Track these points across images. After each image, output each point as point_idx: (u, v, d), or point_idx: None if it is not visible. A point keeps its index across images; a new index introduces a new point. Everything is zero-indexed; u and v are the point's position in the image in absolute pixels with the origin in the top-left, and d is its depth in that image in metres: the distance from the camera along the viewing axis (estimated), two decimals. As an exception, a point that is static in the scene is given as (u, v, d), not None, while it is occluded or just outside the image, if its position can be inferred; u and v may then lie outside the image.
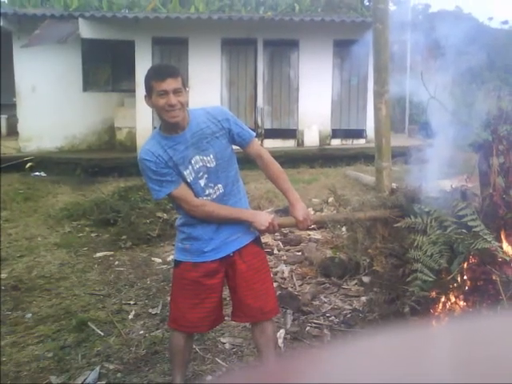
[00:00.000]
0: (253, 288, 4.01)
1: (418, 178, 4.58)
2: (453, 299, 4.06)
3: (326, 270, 6.81)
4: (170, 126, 3.70)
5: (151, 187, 3.79)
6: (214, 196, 3.85)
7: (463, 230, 3.88)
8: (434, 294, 4.03)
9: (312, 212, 9.52)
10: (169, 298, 4.82)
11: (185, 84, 3.70)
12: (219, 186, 3.87)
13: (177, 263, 4.05)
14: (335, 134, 18.20)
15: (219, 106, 4.49)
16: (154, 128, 4.15)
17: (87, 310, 6.13)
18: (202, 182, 3.81)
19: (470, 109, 4.59)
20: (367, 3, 35.42)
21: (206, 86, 16.71)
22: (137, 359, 5.04)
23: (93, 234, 9.37)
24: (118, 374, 4.77)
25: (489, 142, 4.08)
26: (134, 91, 16.24)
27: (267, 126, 17.91)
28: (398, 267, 4.23)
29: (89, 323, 5.74)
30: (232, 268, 3.99)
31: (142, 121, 16.27)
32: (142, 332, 5.58)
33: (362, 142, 18.07)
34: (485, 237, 3.75)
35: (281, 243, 8.38)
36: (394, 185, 5.35)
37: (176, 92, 3.55)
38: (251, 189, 11.52)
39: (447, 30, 5.11)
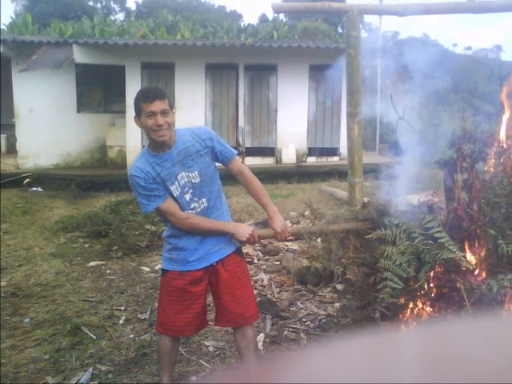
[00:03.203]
0: (235, 295, 4.01)
1: (387, 192, 4.58)
2: (420, 305, 4.06)
3: (303, 278, 6.81)
4: (157, 145, 3.69)
5: (140, 201, 3.79)
6: (199, 209, 3.85)
7: (430, 241, 3.89)
8: (402, 300, 4.03)
9: (289, 224, 9.53)
10: (157, 304, 4.81)
11: (171, 105, 3.71)
12: (203, 200, 3.87)
13: (164, 272, 4.04)
14: (311, 152, 18.25)
15: (203, 126, 4.48)
16: (143, 146, 4.17)
17: (81, 316, 6.09)
18: (188, 197, 3.81)
19: (436, 129, 4.61)
20: (340, 30, 35.72)
21: (191, 108, 16.80)
22: (127, 361, 5.01)
23: (86, 245, 9.31)
24: (110, 375, 4.75)
25: (453, 159, 4.09)
26: (124, 112, 16.19)
27: (248, 144, 17.93)
28: (369, 276, 4.23)
29: (82, 327, 5.71)
30: (215, 276, 3.99)
31: (131, 140, 16.29)
32: (131, 336, 5.56)
33: (335, 159, 18.13)
34: (450, 247, 3.76)
35: (260, 253, 8.37)
36: (365, 199, 5.34)
37: (163, 113, 3.55)
38: (233, 203, 11.54)
39: (415, 56, 5.13)
